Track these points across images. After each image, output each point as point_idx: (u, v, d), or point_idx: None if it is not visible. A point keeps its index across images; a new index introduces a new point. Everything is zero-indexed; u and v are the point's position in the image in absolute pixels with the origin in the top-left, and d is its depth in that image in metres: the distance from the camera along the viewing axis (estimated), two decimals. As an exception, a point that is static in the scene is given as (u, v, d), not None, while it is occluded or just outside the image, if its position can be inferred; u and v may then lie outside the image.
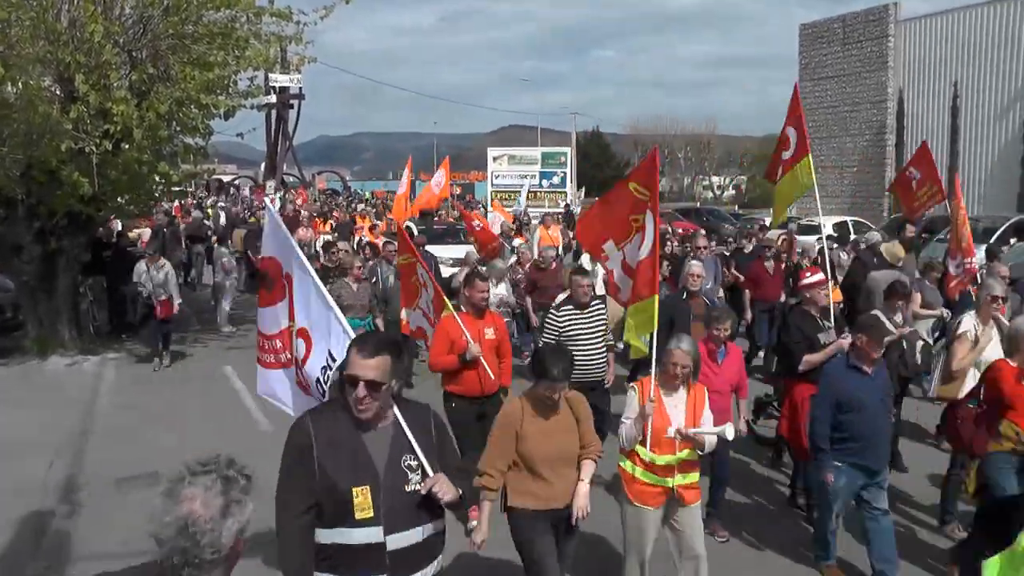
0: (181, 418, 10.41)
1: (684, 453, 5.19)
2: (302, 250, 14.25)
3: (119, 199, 14.83)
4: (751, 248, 15.36)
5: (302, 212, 26.51)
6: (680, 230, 23.04)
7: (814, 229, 25.69)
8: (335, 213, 33.72)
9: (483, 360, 6.93)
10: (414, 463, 3.32)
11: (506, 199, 36.28)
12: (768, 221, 29.71)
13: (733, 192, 78.75)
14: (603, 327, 7.76)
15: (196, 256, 23.00)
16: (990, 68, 32.25)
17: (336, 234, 24.90)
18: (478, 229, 17.46)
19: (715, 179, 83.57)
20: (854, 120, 37.54)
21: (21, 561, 6.50)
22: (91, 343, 14.58)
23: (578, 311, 7.69)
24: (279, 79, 50.68)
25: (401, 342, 3.86)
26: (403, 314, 8.69)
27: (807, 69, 39.57)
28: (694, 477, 5.31)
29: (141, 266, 13.26)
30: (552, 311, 7.99)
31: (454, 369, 7.02)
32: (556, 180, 36.86)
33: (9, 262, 14.17)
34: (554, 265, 13.19)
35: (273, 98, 51.22)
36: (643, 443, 5.18)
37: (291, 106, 60.96)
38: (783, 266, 13.58)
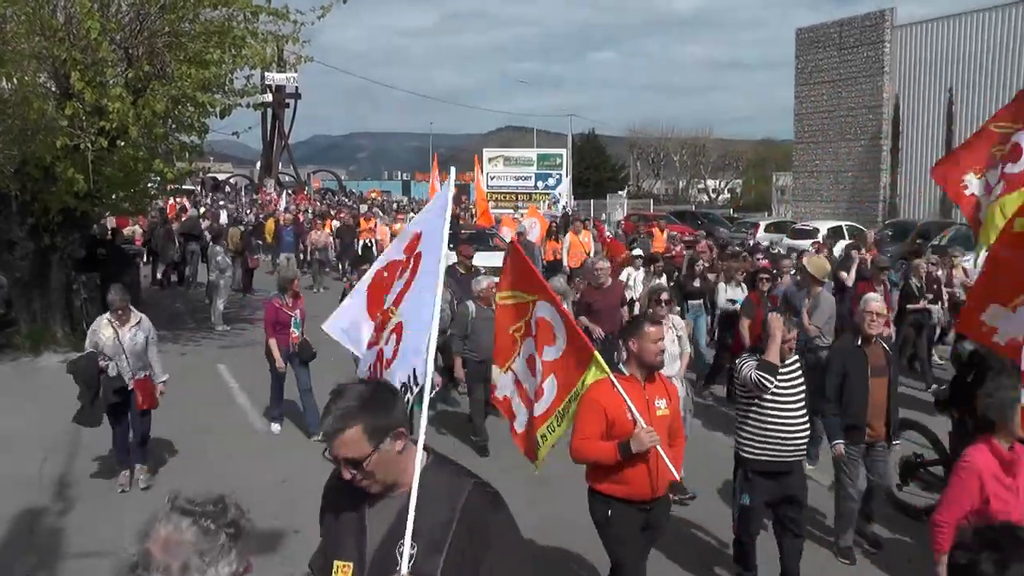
0: (175, 416, 10.36)
1: None
2: (316, 253, 13.80)
3: (114, 196, 14.80)
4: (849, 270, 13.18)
5: (309, 212, 26.84)
6: (678, 234, 22.81)
7: (808, 233, 25.86)
8: (340, 212, 33.55)
9: (660, 448, 4.73)
10: (412, 551, 2.55)
11: (501, 200, 36.30)
12: (764, 224, 29.68)
13: (728, 196, 78.89)
14: (802, 386, 5.74)
15: (191, 254, 22.93)
16: (985, 75, 32.35)
17: (339, 238, 24.87)
18: (609, 239, 16.20)
19: (711, 182, 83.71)
20: (850, 125, 37.65)
21: (12, 556, 6.48)
22: (84, 340, 14.49)
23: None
24: (275, 78, 50.63)
25: (379, 386, 2.76)
26: (494, 374, 5.69)
27: (803, 73, 39.69)
28: None
29: (103, 329, 8.43)
30: (756, 369, 5.60)
31: (611, 463, 4.81)
32: (552, 182, 36.92)
33: (2, 258, 14.14)
34: (609, 281, 10.59)
35: (269, 97, 51.17)
36: None
37: (287, 105, 61.00)
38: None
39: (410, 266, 3.82)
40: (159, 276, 23.13)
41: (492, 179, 37.21)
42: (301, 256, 25.24)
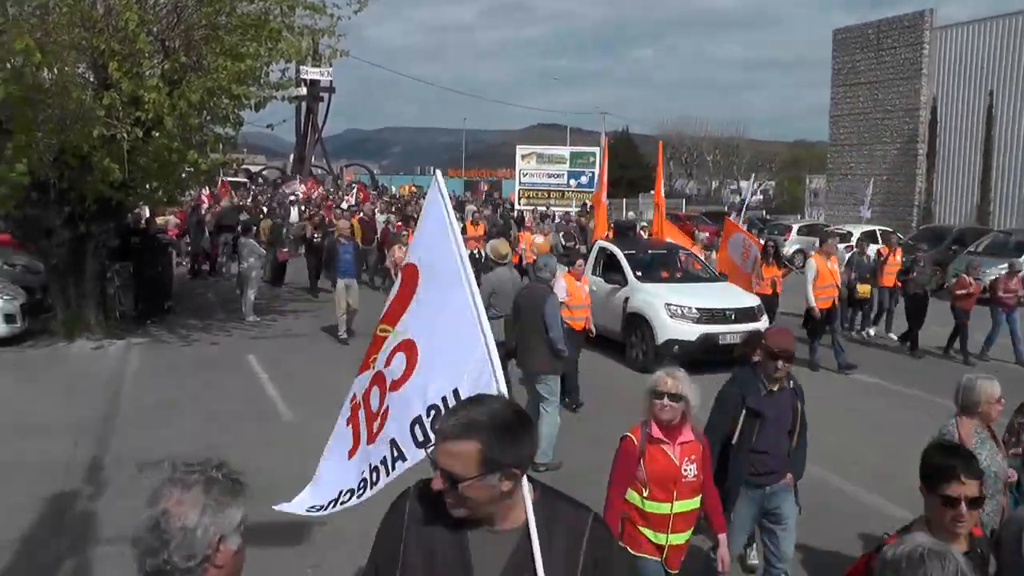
0: (204, 405, 10.49)
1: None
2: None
3: (148, 186, 14.98)
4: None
5: (366, 207, 24.94)
6: (706, 234, 22.51)
7: (842, 237, 25.58)
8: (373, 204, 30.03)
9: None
10: None
11: (534, 197, 36.26)
12: (796, 227, 29.49)
13: (760, 197, 78.26)
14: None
15: (224, 245, 23.11)
16: (1027, 78, 31.84)
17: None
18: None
19: (743, 183, 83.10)
20: (886, 128, 37.23)
21: (44, 538, 6.57)
22: (117, 327, 14.72)
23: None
24: (310, 71, 50.88)
25: (520, 415, 2.33)
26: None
27: (840, 74, 39.33)
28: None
29: None
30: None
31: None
32: (584, 180, 36.84)
33: (39, 245, 14.36)
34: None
35: (304, 90, 51.48)
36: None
37: (321, 99, 61.27)
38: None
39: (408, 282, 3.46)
40: (190, 265, 23.41)
41: (525, 176, 37.21)
42: (372, 278, 21.84)
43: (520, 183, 37.82)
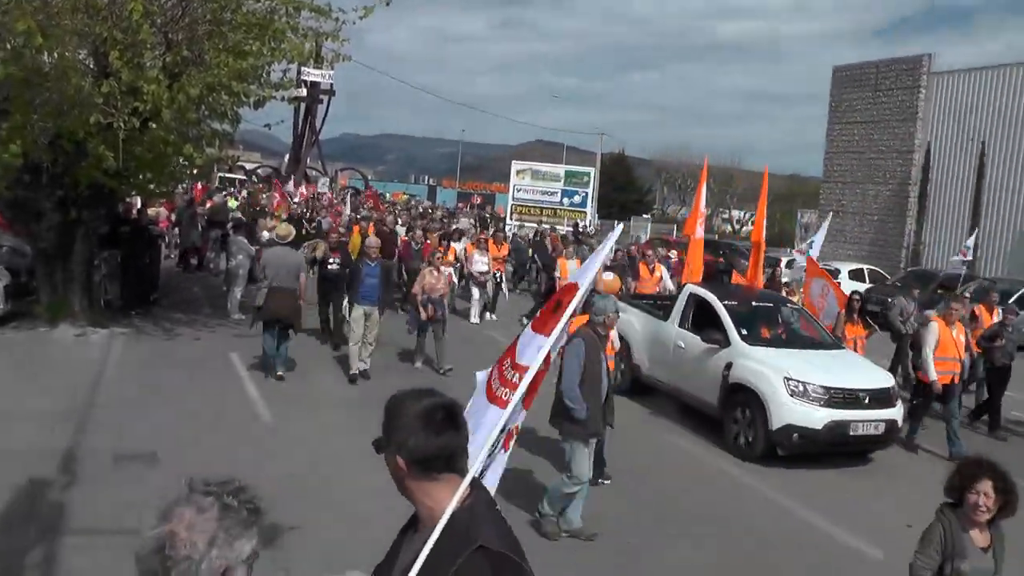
0: (183, 401, 10.43)
1: None
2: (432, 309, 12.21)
3: (142, 176, 14.94)
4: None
5: (388, 219, 22.49)
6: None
7: (832, 274, 25.70)
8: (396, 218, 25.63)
9: None
10: None
11: (526, 213, 36.31)
12: (786, 260, 29.60)
13: (751, 227, 78.60)
14: None
15: (213, 241, 23.04)
16: (1020, 129, 32.12)
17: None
18: None
19: (735, 213, 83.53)
20: (879, 168, 37.46)
21: (14, 525, 6.52)
22: (101, 316, 14.65)
23: None
24: (311, 73, 50.81)
25: (431, 409, 2.38)
26: None
27: (837, 112, 39.58)
28: None
29: None
30: None
31: None
32: (577, 199, 36.93)
33: (28, 228, 14.31)
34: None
35: (304, 92, 51.43)
36: None
37: (321, 101, 61.21)
38: None
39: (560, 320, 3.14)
40: (179, 258, 23.35)
41: (519, 191, 37.27)
42: (402, 307, 16.89)
43: (513, 198, 37.88)
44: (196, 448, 8.60)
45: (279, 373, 12.01)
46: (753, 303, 12.43)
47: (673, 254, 23.17)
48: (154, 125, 13.07)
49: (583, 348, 7.32)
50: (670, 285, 18.07)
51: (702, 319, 11.61)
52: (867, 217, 37.80)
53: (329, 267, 14.71)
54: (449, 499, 2.31)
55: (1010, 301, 20.31)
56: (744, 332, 11.05)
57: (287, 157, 68.56)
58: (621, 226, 3.68)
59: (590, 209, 37.95)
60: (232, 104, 14.06)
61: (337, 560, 6.17)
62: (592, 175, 39.58)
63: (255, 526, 1.96)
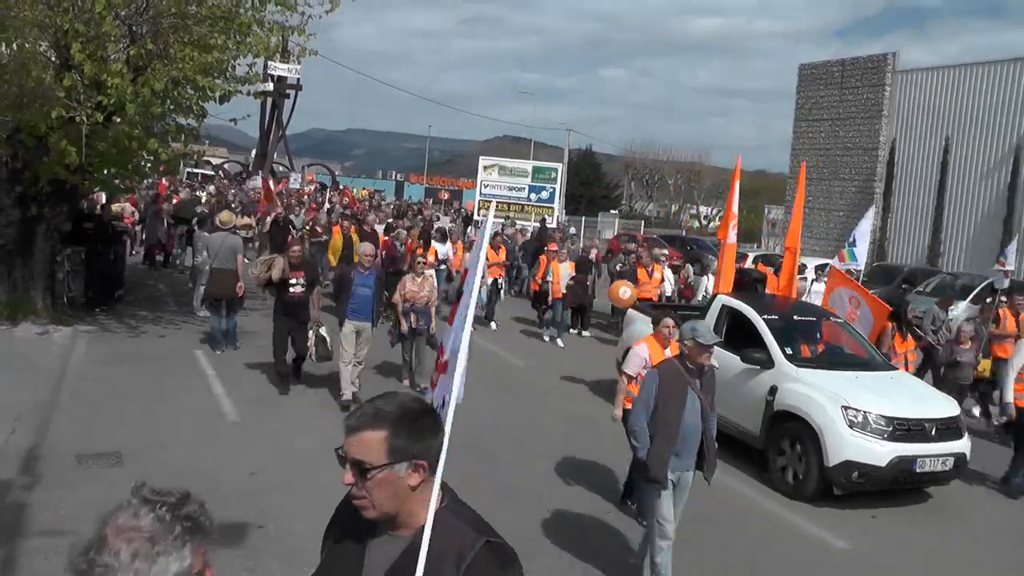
0: (147, 399, 10.30)
1: None
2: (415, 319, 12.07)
3: (106, 172, 14.73)
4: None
5: (369, 217, 21.77)
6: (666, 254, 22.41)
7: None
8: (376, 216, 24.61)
9: None
10: None
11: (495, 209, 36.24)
12: (752, 256, 29.83)
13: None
14: None
15: (179, 237, 22.81)
16: (981, 127, 32.52)
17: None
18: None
19: (703, 208, 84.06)
20: (845, 164, 37.83)
21: (-30, 528, 6.40)
22: (64, 314, 14.42)
23: None
24: (278, 68, 50.52)
25: (426, 409, 2.39)
26: None
27: (803, 109, 39.89)
28: None
29: None
30: None
31: None
32: (545, 195, 36.95)
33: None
34: None
35: (270, 86, 51.06)
36: None
37: (287, 96, 60.80)
38: None
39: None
40: (144, 254, 23.06)
41: (486, 187, 37.19)
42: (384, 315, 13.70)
43: (481, 193, 37.79)
44: (161, 448, 8.49)
45: (226, 348, 13.40)
46: (794, 317, 11.12)
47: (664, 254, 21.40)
48: (118, 120, 12.88)
49: (656, 382, 6.29)
50: (668, 291, 17.76)
51: (736, 335, 10.31)
52: (833, 213, 38.15)
53: (291, 290, 11.32)
54: (429, 498, 2.28)
55: (970, 296, 20.66)
56: (788, 351, 9.83)
57: (254, 152, 68.07)
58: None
59: (558, 205, 37.96)
60: (198, 98, 13.88)
61: (299, 559, 6.15)
62: (560, 171, 39.57)
63: (189, 545, 1.81)
